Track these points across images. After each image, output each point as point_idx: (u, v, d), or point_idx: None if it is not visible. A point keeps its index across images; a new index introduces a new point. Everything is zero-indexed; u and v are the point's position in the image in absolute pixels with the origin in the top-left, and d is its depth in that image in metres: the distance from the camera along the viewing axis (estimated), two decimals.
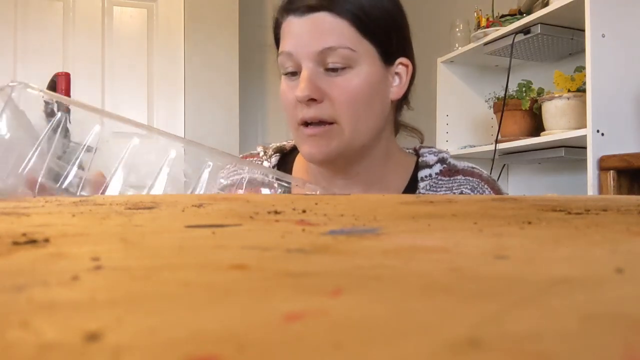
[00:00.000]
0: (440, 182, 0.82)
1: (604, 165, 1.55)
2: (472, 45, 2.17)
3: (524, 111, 2.00)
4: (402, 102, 0.83)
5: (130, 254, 0.18)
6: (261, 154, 0.89)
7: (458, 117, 2.38)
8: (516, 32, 1.93)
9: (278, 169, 0.86)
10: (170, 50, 2.77)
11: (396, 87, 0.79)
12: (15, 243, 0.20)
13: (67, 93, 2.13)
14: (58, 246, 0.19)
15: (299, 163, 0.88)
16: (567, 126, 1.78)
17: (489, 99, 2.23)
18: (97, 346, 0.09)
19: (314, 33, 0.73)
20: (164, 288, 0.13)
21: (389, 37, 0.76)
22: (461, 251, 0.19)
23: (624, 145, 1.59)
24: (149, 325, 0.10)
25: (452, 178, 0.82)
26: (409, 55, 0.80)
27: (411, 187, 0.83)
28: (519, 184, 2.33)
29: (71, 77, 2.19)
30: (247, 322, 0.10)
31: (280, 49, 0.77)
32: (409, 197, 0.47)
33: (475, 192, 0.81)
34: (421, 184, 0.83)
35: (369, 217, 0.29)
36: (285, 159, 0.88)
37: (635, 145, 1.60)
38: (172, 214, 0.32)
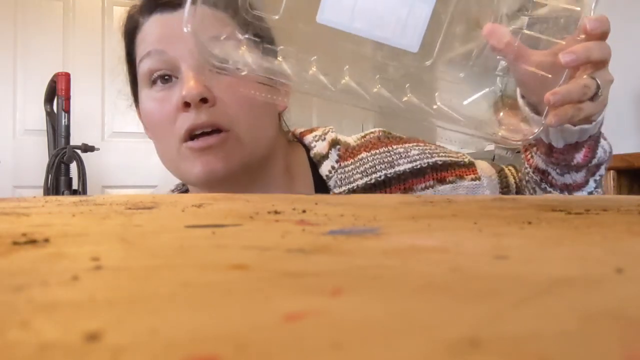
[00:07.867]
0: (347, 170, 0.70)
1: None
2: None
3: None
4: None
5: (130, 254, 0.18)
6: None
7: None
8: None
9: None
10: None
11: None
12: (15, 243, 0.20)
13: (67, 93, 2.13)
14: (58, 246, 0.19)
15: None
16: None
17: None
18: (97, 346, 0.09)
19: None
20: (164, 288, 0.13)
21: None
22: (461, 251, 0.19)
23: (624, 145, 1.59)
24: (149, 325, 0.10)
25: (356, 159, 0.70)
26: None
27: (321, 191, 0.69)
28: None
29: (71, 77, 2.19)
30: (247, 322, 0.10)
31: (144, 50, 0.64)
32: (409, 197, 0.47)
33: (391, 166, 0.70)
34: (331, 183, 0.69)
35: (369, 217, 0.29)
36: None
37: (635, 145, 1.60)
38: (172, 214, 0.32)
